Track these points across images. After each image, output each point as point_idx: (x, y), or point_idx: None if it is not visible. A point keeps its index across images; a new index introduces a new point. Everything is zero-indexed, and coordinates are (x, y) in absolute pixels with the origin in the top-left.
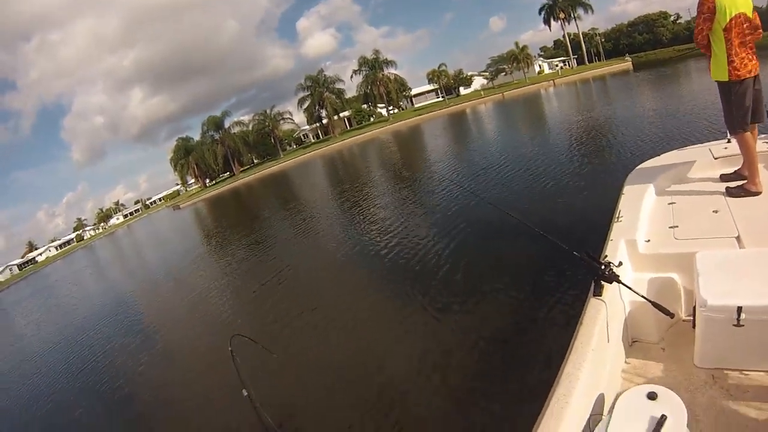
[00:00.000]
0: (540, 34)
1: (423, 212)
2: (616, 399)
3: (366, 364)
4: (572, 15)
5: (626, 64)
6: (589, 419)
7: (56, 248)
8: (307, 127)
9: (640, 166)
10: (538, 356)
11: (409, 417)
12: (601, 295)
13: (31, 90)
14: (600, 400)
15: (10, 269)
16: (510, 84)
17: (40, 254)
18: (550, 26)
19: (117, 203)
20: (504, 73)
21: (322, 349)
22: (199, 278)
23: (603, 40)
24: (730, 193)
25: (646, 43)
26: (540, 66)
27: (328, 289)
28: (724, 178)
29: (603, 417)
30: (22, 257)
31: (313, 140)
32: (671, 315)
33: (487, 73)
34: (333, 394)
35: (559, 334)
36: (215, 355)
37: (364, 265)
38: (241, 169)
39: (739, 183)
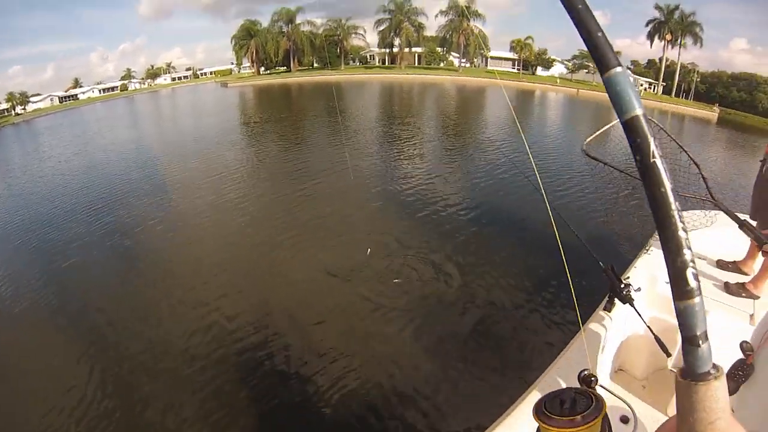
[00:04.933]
0: (637, 47)
1: (460, 172)
2: None
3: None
4: (679, 41)
5: (712, 113)
6: None
7: (100, 91)
8: (376, 49)
9: (687, 211)
10: (530, 348)
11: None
12: (609, 312)
13: None
14: None
15: (52, 99)
16: (588, 83)
17: (83, 93)
18: (651, 43)
19: (169, 65)
20: (586, 71)
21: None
22: (220, 160)
23: (698, 79)
24: (730, 290)
25: (740, 102)
26: None
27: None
28: (721, 264)
29: None
30: (66, 91)
31: (378, 64)
32: (668, 354)
33: (569, 64)
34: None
35: (559, 332)
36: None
37: (381, 200)
38: (299, 68)
39: (741, 281)
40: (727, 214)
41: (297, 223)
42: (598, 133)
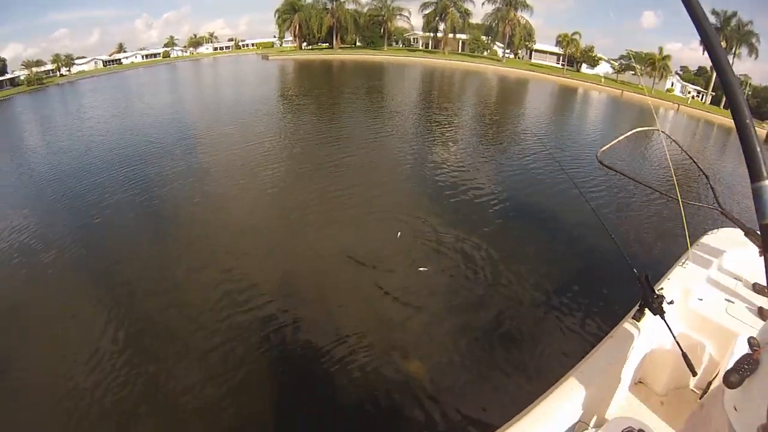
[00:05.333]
0: (689, 52)
1: (495, 162)
2: (605, 420)
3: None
4: (734, 50)
5: (761, 130)
6: (575, 425)
7: (143, 57)
8: (420, 33)
9: (728, 228)
10: (555, 348)
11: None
12: (638, 321)
13: None
14: (590, 413)
15: (96, 62)
16: (633, 86)
17: (127, 58)
18: (704, 49)
19: (211, 34)
20: (633, 72)
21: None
22: (256, 128)
23: (750, 93)
24: (764, 316)
25: None
26: (672, 84)
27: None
28: (757, 288)
29: (589, 429)
30: (110, 55)
31: (421, 47)
32: (694, 373)
33: (616, 64)
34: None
35: (585, 335)
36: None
37: (414, 182)
38: (341, 45)
39: None
40: (732, 221)
41: (327, 196)
42: (612, 143)
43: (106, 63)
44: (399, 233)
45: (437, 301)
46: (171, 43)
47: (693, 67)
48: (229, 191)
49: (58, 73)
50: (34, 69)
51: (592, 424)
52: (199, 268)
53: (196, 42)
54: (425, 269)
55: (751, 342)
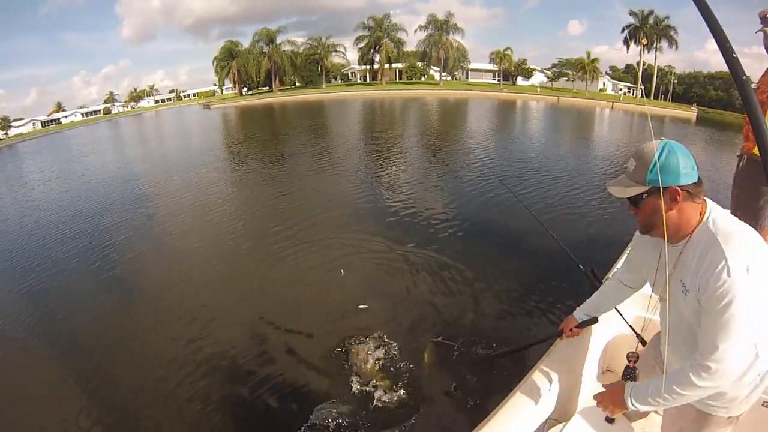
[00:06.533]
0: (615, 53)
1: (442, 185)
2: (574, 412)
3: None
4: (655, 45)
5: (691, 113)
6: (545, 422)
7: (82, 115)
8: (357, 66)
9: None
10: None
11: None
12: None
13: None
14: (560, 408)
15: (34, 124)
16: (568, 91)
17: (66, 117)
18: (628, 48)
19: (152, 87)
20: (566, 78)
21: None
22: (204, 181)
23: (675, 81)
24: None
25: (717, 100)
26: (604, 84)
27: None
28: None
29: (558, 424)
30: (48, 115)
31: (359, 81)
32: None
33: (549, 72)
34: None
35: (540, 335)
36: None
37: (365, 223)
38: (281, 87)
39: None
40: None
41: (266, 239)
42: None
43: (44, 123)
44: (342, 271)
45: (383, 332)
46: (111, 98)
47: (621, 66)
48: (175, 245)
49: None
50: None
51: (562, 418)
52: (149, 322)
53: (136, 96)
54: (365, 306)
55: (629, 356)
